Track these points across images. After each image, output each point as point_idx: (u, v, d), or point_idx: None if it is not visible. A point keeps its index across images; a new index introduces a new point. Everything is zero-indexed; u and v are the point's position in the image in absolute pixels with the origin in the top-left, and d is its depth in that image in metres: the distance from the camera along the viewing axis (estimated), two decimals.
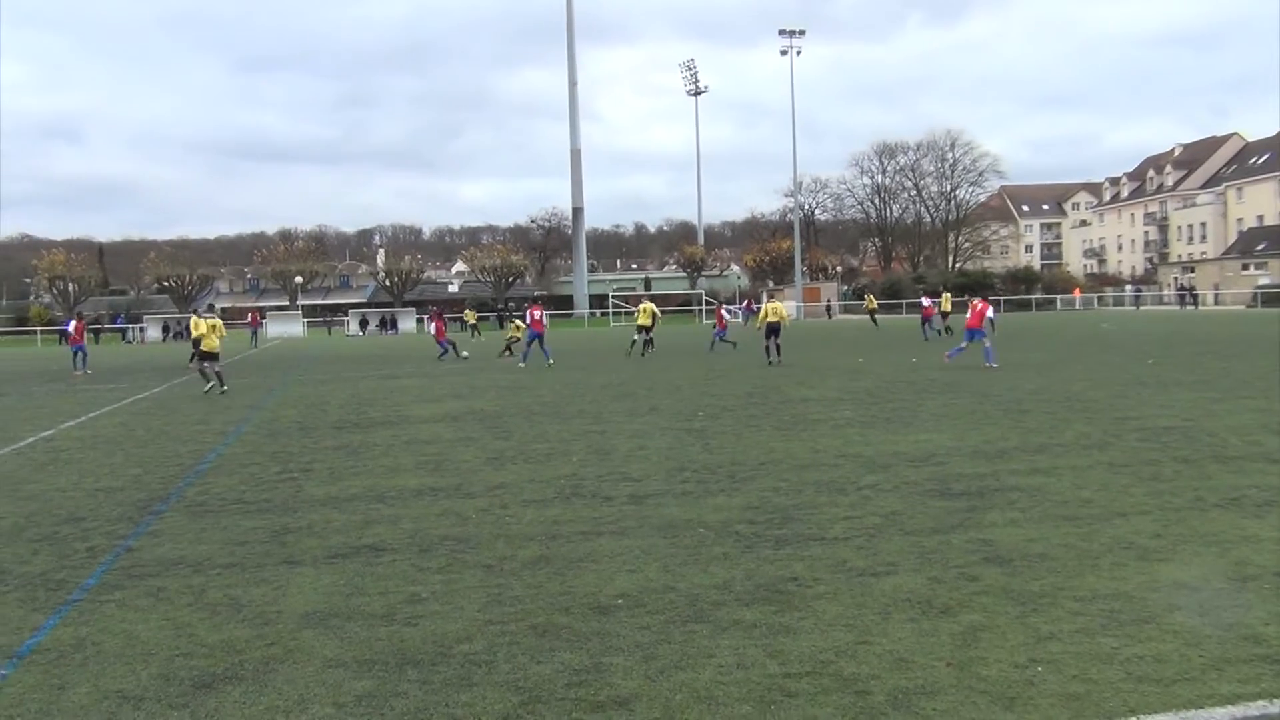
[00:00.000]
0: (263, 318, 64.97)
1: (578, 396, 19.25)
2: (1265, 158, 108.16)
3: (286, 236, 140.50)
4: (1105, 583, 6.22)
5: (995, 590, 6.12)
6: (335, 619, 5.95)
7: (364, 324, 78.65)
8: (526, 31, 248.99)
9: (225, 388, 22.74)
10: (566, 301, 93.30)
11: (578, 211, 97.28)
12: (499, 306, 40.68)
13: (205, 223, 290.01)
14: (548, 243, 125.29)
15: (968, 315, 25.16)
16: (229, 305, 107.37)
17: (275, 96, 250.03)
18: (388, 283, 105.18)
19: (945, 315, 40.86)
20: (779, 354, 26.50)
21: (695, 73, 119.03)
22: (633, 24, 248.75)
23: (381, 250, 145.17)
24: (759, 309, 54.48)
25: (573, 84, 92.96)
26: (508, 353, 33.71)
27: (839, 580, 6.41)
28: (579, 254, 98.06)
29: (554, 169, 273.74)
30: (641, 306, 33.88)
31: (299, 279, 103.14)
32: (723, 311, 37.39)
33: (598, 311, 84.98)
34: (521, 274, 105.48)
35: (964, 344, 24.80)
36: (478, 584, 6.60)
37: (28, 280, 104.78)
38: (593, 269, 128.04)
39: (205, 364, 23.36)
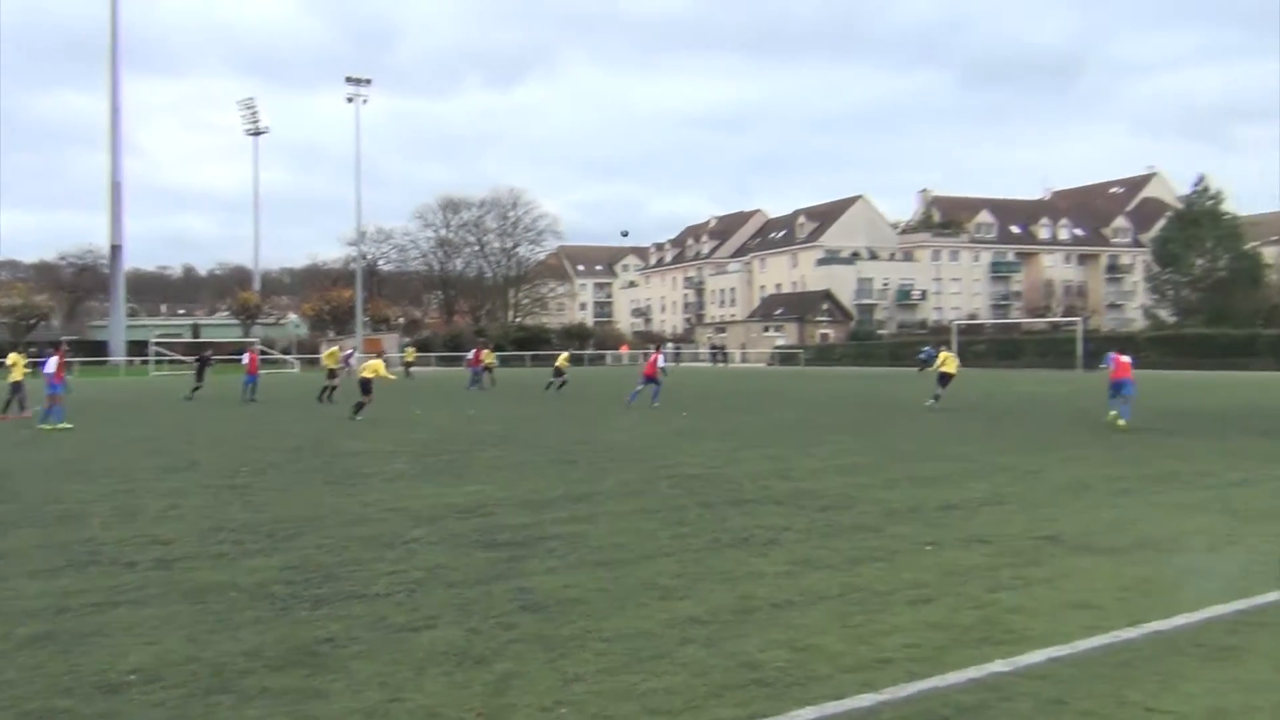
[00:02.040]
0: None
1: (105, 452, 17.55)
2: (782, 233, 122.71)
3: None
4: (630, 622, 6.63)
5: (529, 637, 6.31)
6: None
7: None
8: (55, 48, 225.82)
9: None
10: (100, 348, 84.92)
11: (116, 249, 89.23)
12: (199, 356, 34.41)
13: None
14: (80, 282, 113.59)
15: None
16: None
17: None
18: None
19: (489, 369, 42.41)
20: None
21: (255, 111, 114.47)
22: (181, 54, 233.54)
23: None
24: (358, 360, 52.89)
25: (115, 111, 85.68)
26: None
27: (376, 637, 6.31)
28: (117, 296, 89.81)
29: (88, 202, 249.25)
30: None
31: None
32: (256, 357, 35.23)
33: (137, 359, 78.15)
34: (46, 316, 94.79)
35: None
36: None
37: None
38: (133, 313, 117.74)
39: None
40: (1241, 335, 63.02)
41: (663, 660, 5.83)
